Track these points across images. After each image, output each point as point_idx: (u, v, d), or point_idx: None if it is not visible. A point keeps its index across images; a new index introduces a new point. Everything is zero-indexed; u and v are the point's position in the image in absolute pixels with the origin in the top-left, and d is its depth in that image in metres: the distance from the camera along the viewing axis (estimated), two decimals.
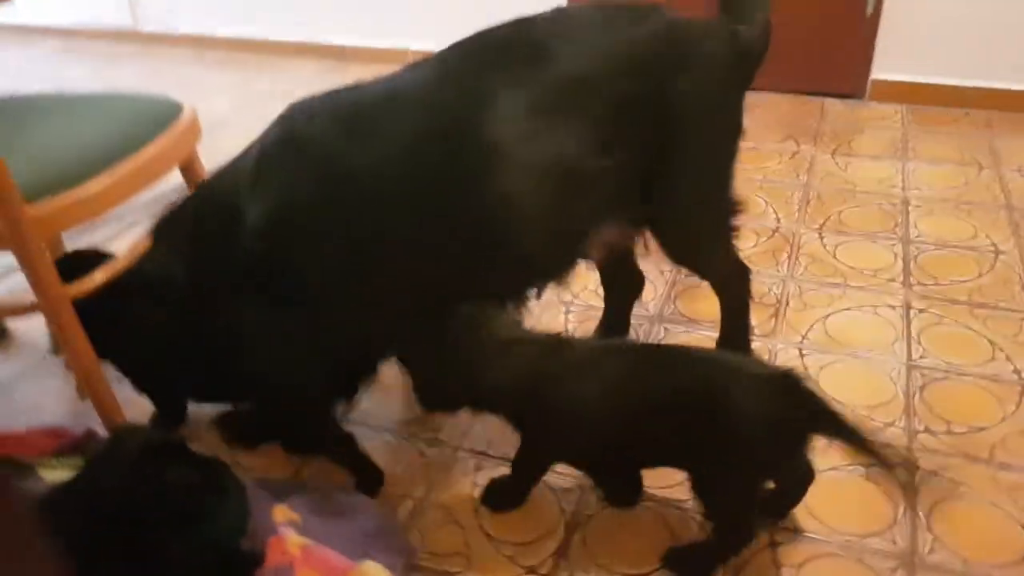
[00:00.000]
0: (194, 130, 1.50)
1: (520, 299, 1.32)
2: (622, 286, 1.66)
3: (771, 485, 1.27)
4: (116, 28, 4.10)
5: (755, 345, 1.65)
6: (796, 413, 1.10)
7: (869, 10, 2.77)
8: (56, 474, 1.33)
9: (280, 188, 1.12)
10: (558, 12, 1.23)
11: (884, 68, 2.86)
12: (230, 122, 3.07)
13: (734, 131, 1.36)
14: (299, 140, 1.13)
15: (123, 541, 1.08)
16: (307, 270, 1.14)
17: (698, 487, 1.16)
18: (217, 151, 2.72)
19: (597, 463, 1.30)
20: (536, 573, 1.23)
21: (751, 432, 1.08)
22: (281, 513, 1.26)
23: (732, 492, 1.14)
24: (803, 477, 1.26)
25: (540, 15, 1.23)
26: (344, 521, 1.29)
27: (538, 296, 1.35)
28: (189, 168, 1.53)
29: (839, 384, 1.57)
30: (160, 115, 1.43)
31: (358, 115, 1.14)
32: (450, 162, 1.12)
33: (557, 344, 1.22)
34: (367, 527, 1.27)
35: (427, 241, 1.15)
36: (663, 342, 1.71)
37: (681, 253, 1.43)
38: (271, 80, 3.52)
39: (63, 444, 1.43)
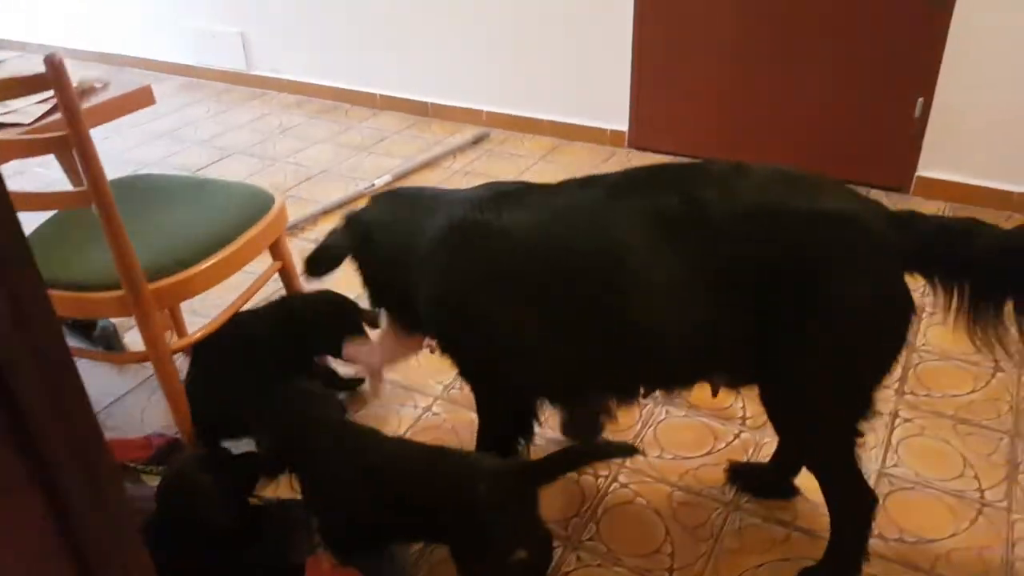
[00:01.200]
0: (282, 218, 1.82)
1: (631, 398, 1.53)
2: None
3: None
4: (231, 69, 4.56)
5: (746, 436, 1.86)
6: (525, 495, 1.40)
7: (917, 113, 2.93)
8: (154, 480, 1.68)
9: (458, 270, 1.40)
10: (738, 169, 1.31)
11: (930, 165, 3.00)
12: (330, 170, 3.45)
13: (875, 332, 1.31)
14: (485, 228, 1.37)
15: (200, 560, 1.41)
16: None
17: (456, 560, 1.41)
18: (318, 195, 3.13)
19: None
20: None
21: (492, 515, 1.35)
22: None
23: (484, 563, 1.40)
24: (546, 544, 1.51)
25: (723, 165, 1.33)
26: None
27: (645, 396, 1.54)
28: (276, 249, 1.86)
29: (808, 485, 1.76)
30: (257, 206, 1.77)
31: (539, 222, 1.35)
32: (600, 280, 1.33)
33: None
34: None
35: (571, 331, 1.37)
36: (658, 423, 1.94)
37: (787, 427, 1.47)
38: (361, 132, 3.89)
39: (153, 452, 1.78)
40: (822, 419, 1.38)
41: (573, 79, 3.59)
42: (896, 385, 2.06)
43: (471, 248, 1.38)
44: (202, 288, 1.59)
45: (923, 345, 2.22)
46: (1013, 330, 1.25)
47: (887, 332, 1.30)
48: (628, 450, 1.54)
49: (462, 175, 3.40)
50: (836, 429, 1.39)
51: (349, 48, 4.14)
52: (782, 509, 1.71)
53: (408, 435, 1.93)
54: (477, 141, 3.74)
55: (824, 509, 1.67)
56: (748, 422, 1.95)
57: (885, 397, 2.02)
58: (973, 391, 2.04)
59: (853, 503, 1.44)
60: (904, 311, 1.29)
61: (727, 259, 1.26)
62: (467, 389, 2.01)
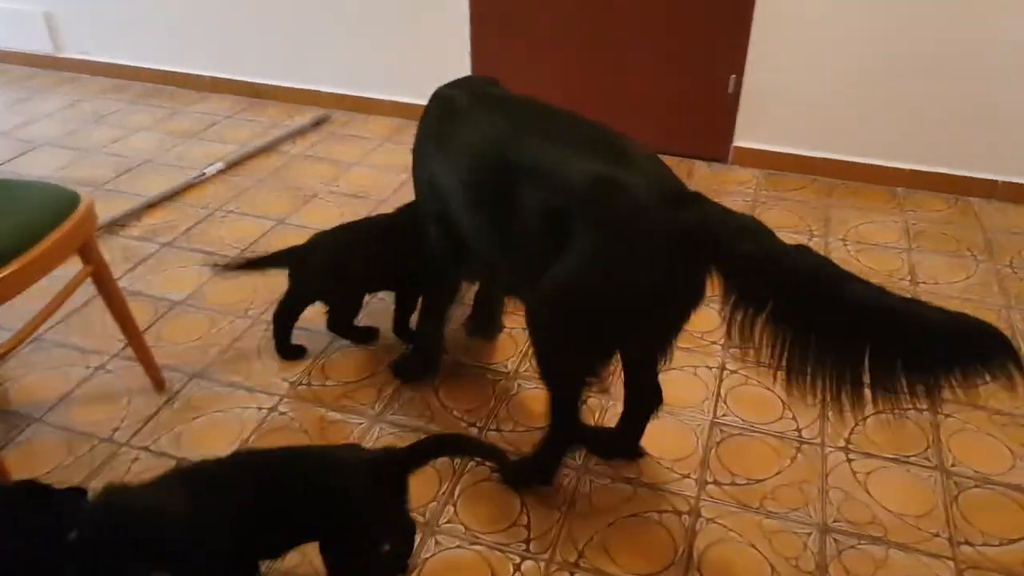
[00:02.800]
0: (89, 219, 1.71)
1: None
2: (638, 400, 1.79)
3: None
4: (36, 52, 4.19)
5: (592, 401, 1.95)
6: (387, 484, 1.41)
7: (730, 89, 3.12)
8: None
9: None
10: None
11: (744, 137, 3.21)
12: (154, 160, 3.25)
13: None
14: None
15: None
16: None
17: (324, 556, 1.40)
18: (141, 188, 2.95)
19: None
20: None
21: (354, 507, 1.35)
22: None
23: (353, 556, 1.41)
24: (409, 533, 1.56)
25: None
26: None
27: None
28: (87, 254, 1.74)
29: (650, 438, 1.87)
30: (59, 208, 1.64)
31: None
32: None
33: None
34: None
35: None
36: (514, 398, 2.00)
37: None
38: (188, 117, 3.69)
39: None
40: (540, 357, 1.60)
41: (413, 59, 3.55)
42: (723, 340, 2.20)
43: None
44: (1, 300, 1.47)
45: None
46: (761, 334, 1.31)
47: (609, 296, 1.42)
48: (495, 454, 1.63)
49: (302, 159, 3.30)
50: (553, 371, 1.61)
51: (171, 26, 3.90)
52: (627, 467, 1.80)
53: (253, 440, 1.88)
54: (317, 124, 3.64)
55: (664, 463, 1.79)
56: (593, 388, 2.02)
57: (712, 351, 2.16)
58: None
59: (556, 434, 1.69)
60: (640, 284, 1.39)
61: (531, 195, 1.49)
62: (316, 384, 1.99)
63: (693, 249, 1.36)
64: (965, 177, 3.00)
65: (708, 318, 2.25)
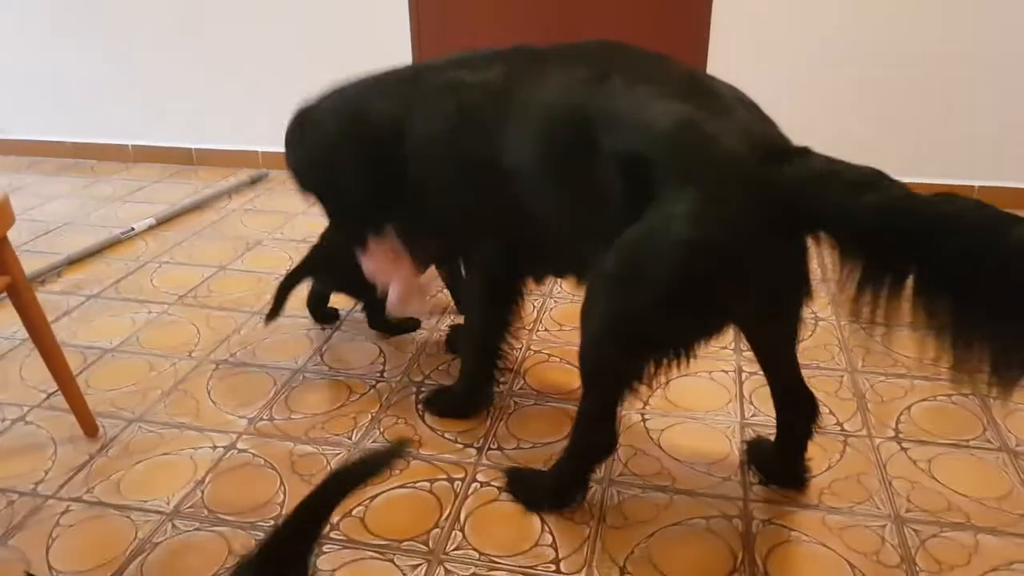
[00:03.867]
0: (4, 215, 1.44)
1: None
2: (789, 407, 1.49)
3: None
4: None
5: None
6: None
7: None
8: None
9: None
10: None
11: None
12: (75, 222, 2.94)
13: None
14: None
15: None
16: None
17: None
18: (60, 247, 2.62)
19: None
20: None
21: None
22: None
23: None
24: None
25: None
26: None
27: None
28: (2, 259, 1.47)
29: (677, 443, 1.62)
30: None
31: None
32: None
33: None
34: None
35: None
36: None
37: None
38: (112, 184, 3.41)
39: None
40: (594, 341, 1.31)
41: None
42: (732, 345, 1.99)
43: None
44: None
45: None
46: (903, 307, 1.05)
47: (690, 267, 1.16)
48: (396, 451, 1.24)
49: (242, 212, 3.04)
50: (606, 360, 1.31)
51: (85, 97, 3.65)
52: (657, 475, 1.54)
53: (209, 480, 1.56)
54: (254, 182, 3.41)
55: (698, 467, 1.54)
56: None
57: (723, 356, 1.95)
58: (803, 339, 2.03)
59: (587, 434, 1.41)
60: (730, 254, 1.14)
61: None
62: (280, 419, 1.71)
63: (797, 212, 1.11)
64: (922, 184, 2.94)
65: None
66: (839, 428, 1.68)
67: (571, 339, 2.04)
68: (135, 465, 1.61)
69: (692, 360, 1.27)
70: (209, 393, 1.85)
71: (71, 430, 1.71)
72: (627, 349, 1.27)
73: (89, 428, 1.70)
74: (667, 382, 1.83)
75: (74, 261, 2.59)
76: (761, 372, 1.48)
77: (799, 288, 1.25)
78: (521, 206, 1.42)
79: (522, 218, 1.43)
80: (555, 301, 2.26)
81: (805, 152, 1.14)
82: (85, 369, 1.96)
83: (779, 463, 1.51)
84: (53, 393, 1.84)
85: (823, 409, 1.69)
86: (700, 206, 1.13)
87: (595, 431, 1.40)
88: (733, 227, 1.13)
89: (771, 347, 1.41)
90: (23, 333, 1.94)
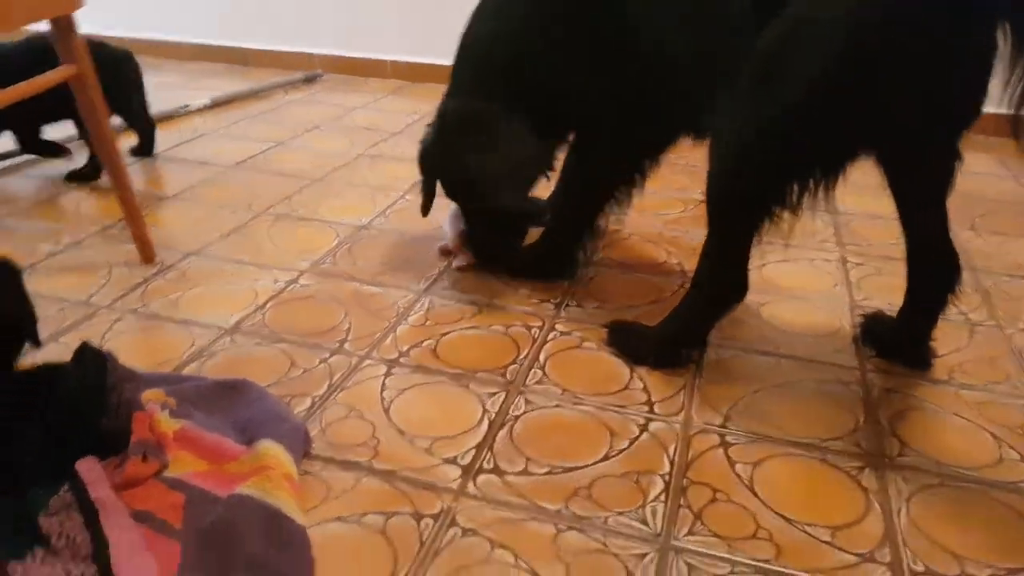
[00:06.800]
0: None
1: None
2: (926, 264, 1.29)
3: None
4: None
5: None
6: None
7: None
8: None
9: None
10: None
11: None
12: None
13: None
14: None
15: None
16: None
17: None
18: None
19: None
20: (457, 464, 1.04)
21: None
22: (153, 395, 1.04)
23: None
24: None
25: None
26: (230, 408, 1.07)
27: None
28: (62, 30, 1.38)
29: (777, 314, 1.46)
30: None
31: None
32: None
33: None
34: (257, 413, 1.05)
35: None
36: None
37: None
38: (171, 74, 3.31)
39: None
40: (722, 155, 1.15)
41: (414, 13, 3.23)
42: (835, 239, 1.82)
43: None
44: None
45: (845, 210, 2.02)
46: None
47: (845, 42, 0.99)
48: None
49: (298, 103, 2.92)
50: (740, 172, 1.14)
51: None
52: (759, 340, 1.39)
53: (268, 307, 1.44)
54: (309, 80, 3.28)
55: (809, 337, 1.38)
56: (689, 276, 1.63)
57: (825, 248, 1.78)
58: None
59: (715, 277, 1.24)
60: (885, 26, 0.97)
61: None
62: (345, 265, 1.58)
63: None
64: None
65: (807, 219, 1.91)
66: (964, 317, 1.50)
67: (651, 223, 1.88)
68: (192, 289, 1.49)
69: (841, 178, 1.11)
70: (270, 237, 1.73)
71: (127, 255, 1.60)
72: (770, 164, 1.11)
73: (147, 253, 1.59)
74: (762, 265, 1.67)
75: (126, 128, 2.49)
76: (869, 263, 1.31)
77: (968, 103, 1.08)
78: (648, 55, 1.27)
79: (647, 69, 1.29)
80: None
81: None
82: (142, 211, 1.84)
83: (903, 337, 1.34)
84: (110, 226, 1.74)
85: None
86: None
87: (724, 273, 1.23)
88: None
89: (920, 183, 1.23)
90: None
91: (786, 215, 1.14)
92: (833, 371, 1.30)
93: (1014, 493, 1.03)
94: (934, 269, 1.27)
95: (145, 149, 2.23)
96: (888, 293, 1.55)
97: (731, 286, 1.24)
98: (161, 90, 2.99)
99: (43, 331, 1.13)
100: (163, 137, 2.41)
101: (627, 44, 1.30)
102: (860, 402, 1.22)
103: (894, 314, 1.36)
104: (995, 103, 1.02)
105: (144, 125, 2.22)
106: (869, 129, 1.07)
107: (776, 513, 0.98)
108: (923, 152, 1.18)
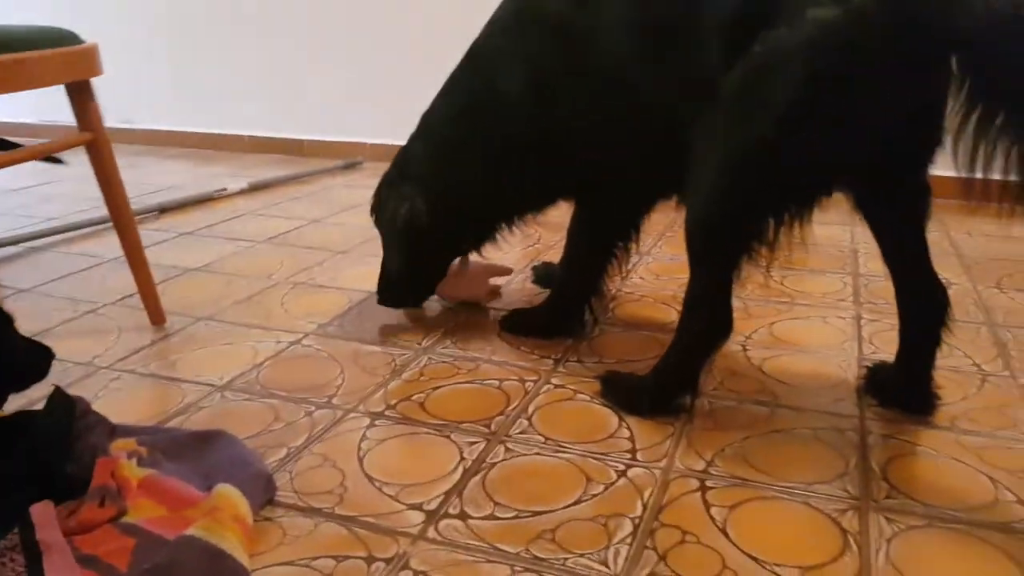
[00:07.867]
0: (88, 59, 1.45)
1: None
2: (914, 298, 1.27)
3: None
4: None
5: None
6: None
7: None
8: None
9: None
10: None
11: None
12: (182, 186, 3.00)
13: None
14: None
15: None
16: None
17: None
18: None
19: None
20: (422, 510, 1.03)
21: None
22: (124, 444, 1.07)
23: None
24: None
25: None
26: (199, 457, 1.09)
27: None
28: (79, 94, 1.47)
29: (783, 365, 1.42)
30: (53, 36, 1.39)
31: None
32: None
33: None
34: (222, 459, 1.07)
35: None
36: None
37: None
38: (224, 164, 3.49)
39: None
40: (701, 193, 1.15)
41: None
42: (852, 298, 1.78)
43: None
44: None
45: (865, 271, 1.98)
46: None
47: (814, 61, 1.00)
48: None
49: (339, 187, 3.03)
50: (717, 209, 1.14)
51: (209, 91, 3.81)
52: (758, 392, 1.35)
53: (266, 365, 1.47)
54: (349, 167, 3.42)
55: (810, 388, 1.34)
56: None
57: (840, 307, 1.73)
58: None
59: (699, 317, 1.22)
60: (854, 48, 0.99)
61: None
62: (351, 327, 1.61)
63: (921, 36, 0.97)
64: None
65: (827, 282, 1.88)
66: (975, 368, 1.44)
67: (665, 285, 1.87)
68: (195, 350, 1.54)
69: (813, 216, 1.10)
70: (282, 303, 1.79)
71: (139, 320, 1.67)
72: (746, 199, 1.11)
73: (157, 317, 1.65)
74: (771, 323, 1.64)
75: (167, 209, 2.63)
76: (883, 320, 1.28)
77: (932, 131, 1.07)
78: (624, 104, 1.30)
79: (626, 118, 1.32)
80: (652, 258, 2.11)
81: None
82: (163, 282, 1.93)
83: (903, 380, 1.29)
84: (129, 296, 1.81)
85: (955, 352, 1.48)
86: (815, 27, 0.99)
87: (708, 311, 1.21)
88: (868, 25, 0.97)
89: (893, 217, 1.21)
90: (111, 254, 1.97)
91: (763, 250, 1.13)
92: (830, 419, 1.26)
93: (1004, 534, 0.97)
94: (921, 303, 1.23)
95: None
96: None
97: (715, 324, 1.22)
98: (209, 178, 3.17)
99: (39, 388, 1.19)
100: (201, 217, 2.54)
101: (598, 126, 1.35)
102: (854, 448, 1.17)
103: None
104: None
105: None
106: (833, 161, 1.07)
107: (746, 554, 0.94)
108: (890, 185, 1.17)
